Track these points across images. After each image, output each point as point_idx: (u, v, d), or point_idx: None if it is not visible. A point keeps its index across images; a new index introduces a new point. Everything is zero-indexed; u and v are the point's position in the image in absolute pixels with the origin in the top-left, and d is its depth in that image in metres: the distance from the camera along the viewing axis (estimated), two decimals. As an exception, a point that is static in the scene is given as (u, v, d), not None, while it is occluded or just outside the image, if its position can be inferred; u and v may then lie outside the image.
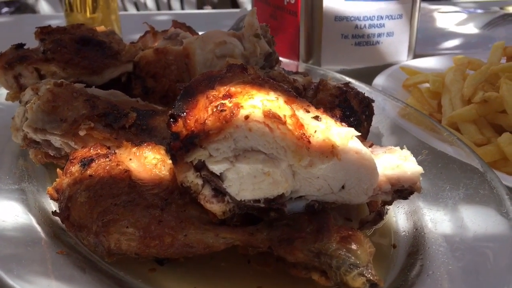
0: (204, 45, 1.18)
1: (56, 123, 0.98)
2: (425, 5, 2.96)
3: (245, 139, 0.74)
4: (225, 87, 0.79)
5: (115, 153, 0.92)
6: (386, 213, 0.88)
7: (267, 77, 1.09)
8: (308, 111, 0.81)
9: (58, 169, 0.94)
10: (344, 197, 0.81)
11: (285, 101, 0.78)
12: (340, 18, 1.67)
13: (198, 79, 0.86)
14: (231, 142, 0.74)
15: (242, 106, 0.74)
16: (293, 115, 0.76)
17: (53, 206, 0.97)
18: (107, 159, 0.89)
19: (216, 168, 0.75)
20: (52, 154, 1.03)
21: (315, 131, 0.76)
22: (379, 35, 1.75)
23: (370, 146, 0.93)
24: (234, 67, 0.87)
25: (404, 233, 0.90)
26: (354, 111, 1.11)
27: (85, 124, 0.95)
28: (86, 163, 0.88)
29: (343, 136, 0.77)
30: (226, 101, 0.75)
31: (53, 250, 0.79)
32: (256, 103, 0.75)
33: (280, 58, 1.75)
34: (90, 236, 0.82)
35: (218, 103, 0.76)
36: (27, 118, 1.02)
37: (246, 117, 0.72)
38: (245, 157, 0.76)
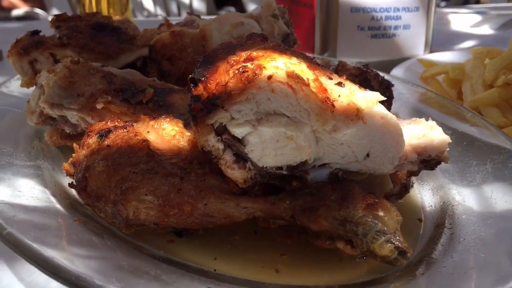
0: (221, 26, 1.17)
1: (73, 98, 0.96)
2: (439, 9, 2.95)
3: (268, 101, 0.72)
4: (246, 52, 0.78)
5: (133, 125, 0.90)
6: (412, 186, 0.85)
7: (285, 56, 1.08)
8: (330, 78, 0.78)
9: (74, 144, 0.92)
10: (369, 165, 0.79)
11: (307, 66, 0.76)
12: (356, 10, 1.65)
13: (217, 48, 0.85)
14: (254, 105, 0.72)
15: (264, 67, 0.72)
16: (316, 79, 0.74)
17: (68, 181, 0.95)
18: (125, 130, 0.87)
19: (238, 132, 0.73)
20: (68, 131, 1.01)
21: (339, 96, 0.74)
22: (396, 27, 1.73)
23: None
24: (255, 35, 0.85)
25: (430, 207, 0.87)
26: (375, 90, 1.08)
27: (102, 98, 0.94)
28: (104, 134, 0.87)
29: (368, 99, 0.75)
30: (248, 64, 0.73)
31: (69, 218, 0.77)
32: (279, 64, 0.73)
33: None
34: (108, 206, 0.80)
35: (239, 66, 0.74)
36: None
37: (269, 77, 0.70)
38: (267, 120, 0.74)
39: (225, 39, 1.16)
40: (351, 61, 1.72)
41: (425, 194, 0.92)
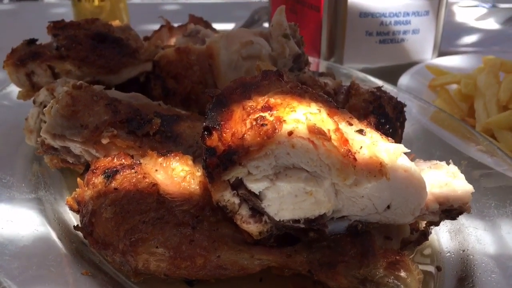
0: (229, 44, 1.11)
1: (76, 129, 0.92)
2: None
3: (287, 155, 0.68)
4: (263, 97, 0.73)
5: (140, 163, 0.86)
6: (431, 232, 0.82)
7: (299, 80, 1.04)
8: (351, 124, 0.75)
9: (78, 179, 0.88)
10: (389, 217, 0.76)
11: (327, 114, 0.72)
12: (365, 14, 1.60)
13: (231, 87, 0.80)
14: (272, 159, 0.68)
15: (284, 121, 0.67)
16: (337, 130, 0.70)
17: (72, 217, 0.91)
18: (132, 170, 0.83)
19: (255, 187, 0.70)
20: (71, 162, 0.97)
21: (361, 147, 0.70)
22: (405, 32, 1.68)
23: (412, 160, 0.87)
24: (270, 74, 0.80)
25: (448, 254, 0.84)
26: (389, 118, 1.05)
27: (107, 132, 0.89)
28: (111, 174, 0.83)
29: (391, 152, 0.71)
30: (267, 114, 0.69)
31: (77, 271, 0.74)
32: (300, 117, 0.68)
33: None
34: (116, 255, 0.77)
35: (257, 115, 0.69)
36: (44, 121, 0.97)
37: (290, 133, 0.66)
38: (286, 175, 0.70)
39: (233, 58, 1.11)
40: (358, 66, 1.68)
41: (442, 236, 0.89)
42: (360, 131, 0.74)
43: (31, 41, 1.29)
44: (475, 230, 0.86)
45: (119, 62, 1.21)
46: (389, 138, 0.75)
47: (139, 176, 0.82)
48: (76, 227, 0.83)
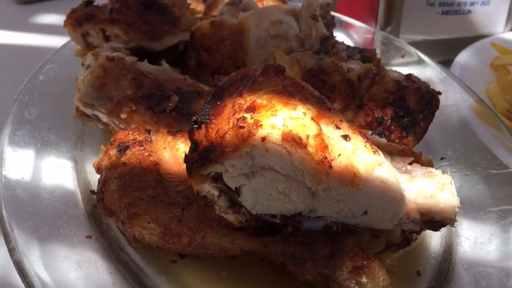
0: (260, 21, 1.12)
1: (103, 100, 1.01)
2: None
3: (262, 157, 0.72)
4: (252, 96, 0.76)
5: (151, 140, 0.94)
6: (416, 238, 0.82)
7: (318, 66, 1.04)
8: (338, 127, 0.75)
9: (102, 146, 0.98)
10: (366, 222, 0.78)
11: (313, 117, 0.74)
12: (427, -17, 1.49)
13: (232, 78, 0.83)
14: (248, 159, 0.72)
15: (261, 125, 0.70)
16: (318, 135, 0.72)
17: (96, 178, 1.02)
18: (141, 147, 0.91)
19: (232, 183, 0.75)
20: (101, 128, 1.07)
21: (339, 154, 0.72)
22: (472, 3, 1.55)
23: (410, 163, 0.86)
24: (269, 69, 0.82)
25: (433, 261, 0.85)
26: (410, 110, 1.02)
27: (127, 107, 0.97)
28: (122, 149, 0.91)
29: (368, 163, 0.72)
30: (248, 116, 0.72)
31: (83, 234, 0.84)
32: (277, 122, 0.71)
33: (356, 23, 1.64)
34: (118, 223, 0.87)
35: (240, 115, 0.73)
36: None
37: (263, 139, 0.69)
38: (261, 175, 0.74)
39: (262, 35, 1.12)
40: (416, 38, 1.60)
41: (434, 240, 0.89)
42: (345, 137, 0.75)
43: (89, 2, 1.38)
44: (465, 240, 0.84)
45: (162, 30, 1.27)
46: (373, 147, 0.75)
47: (145, 154, 0.90)
48: (91, 191, 0.94)
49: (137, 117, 0.98)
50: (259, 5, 1.48)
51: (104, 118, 1.03)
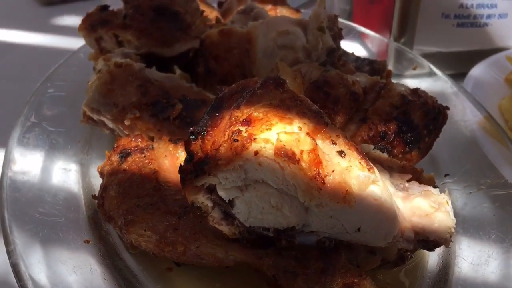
0: (268, 31, 1.13)
1: (109, 106, 1.03)
2: None
3: (256, 171, 0.72)
4: (249, 109, 0.76)
5: (153, 148, 0.95)
6: (412, 257, 0.81)
7: (322, 78, 1.03)
8: (334, 143, 0.75)
9: (106, 151, 1.00)
10: (360, 238, 0.77)
11: (308, 132, 0.74)
12: (442, -5, 1.48)
13: (232, 90, 0.84)
14: (241, 172, 0.73)
15: (255, 139, 0.71)
16: (312, 151, 0.72)
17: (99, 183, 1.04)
18: (142, 155, 0.92)
19: (225, 195, 0.75)
20: (107, 133, 1.09)
21: (333, 171, 0.72)
22: (489, 16, 1.53)
23: (409, 181, 0.85)
24: (269, 82, 0.82)
25: (428, 280, 0.84)
26: (414, 126, 1.01)
27: (131, 113, 0.99)
28: (124, 155, 0.93)
29: (361, 180, 0.71)
30: (243, 129, 0.73)
31: (81, 238, 0.86)
32: (271, 136, 0.71)
33: (370, 33, 1.63)
34: (116, 229, 0.88)
35: (235, 128, 0.73)
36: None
37: (256, 153, 0.70)
38: (254, 188, 0.74)
39: (270, 45, 1.13)
40: (430, 50, 1.58)
41: (432, 259, 0.87)
42: (340, 153, 0.74)
43: (104, 7, 1.40)
44: (462, 261, 0.83)
45: (173, 37, 1.29)
46: (369, 164, 0.74)
47: (146, 161, 0.91)
48: (93, 196, 0.95)
49: (140, 124, 0.99)
50: (272, 14, 1.48)
51: (110, 124, 1.05)
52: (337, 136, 0.77)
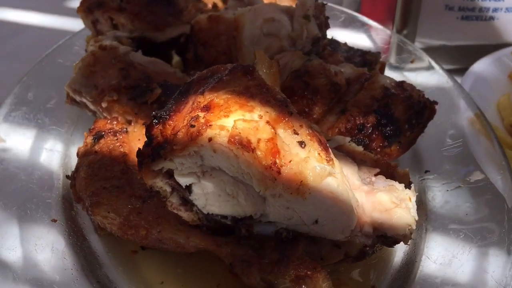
0: (255, 19, 1.11)
1: (90, 88, 1.03)
2: None
3: (212, 158, 0.72)
4: (212, 95, 0.76)
5: (127, 131, 0.95)
6: (374, 252, 0.80)
7: (304, 68, 1.02)
8: (296, 133, 0.74)
9: (85, 133, 1.01)
10: (318, 231, 0.76)
11: (269, 121, 0.72)
12: (446, -14, 1.43)
13: (201, 76, 0.83)
14: (198, 159, 0.72)
15: (210, 126, 0.70)
16: (271, 140, 0.71)
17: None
18: (114, 137, 0.93)
19: (182, 181, 0.75)
20: (90, 115, 1.10)
21: (291, 161, 0.71)
22: (495, 9, 1.47)
23: (376, 175, 0.83)
24: (237, 69, 0.81)
25: (389, 277, 0.82)
26: (394, 119, 0.98)
27: (109, 96, 0.99)
28: (97, 137, 0.94)
29: (317, 172, 0.70)
30: (202, 115, 0.72)
31: (49, 217, 0.87)
32: (228, 123, 0.70)
33: (373, 24, 1.59)
34: (84, 209, 0.89)
35: (195, 114, 0.73)
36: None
37: (210, 139, 0.69)
38: (211, 175, 0.74)
39: (256, 33, 1.11)
40: (433, 43, 1.54)
41: (398, 255, 0.86)
42: (301, 143, 0.73)
43: (102, -10, 1.41)
44: (426, 259, 0.81)
45: (165, 21, 1.29)
46: (328, 156, 0.73)
47: (117, 144, 0.92)
48: (67, 176, 0.96)
49: (117, 107, 1.00)
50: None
51: (90, 105, 1.06)
52: (300, 126, 0.75)
